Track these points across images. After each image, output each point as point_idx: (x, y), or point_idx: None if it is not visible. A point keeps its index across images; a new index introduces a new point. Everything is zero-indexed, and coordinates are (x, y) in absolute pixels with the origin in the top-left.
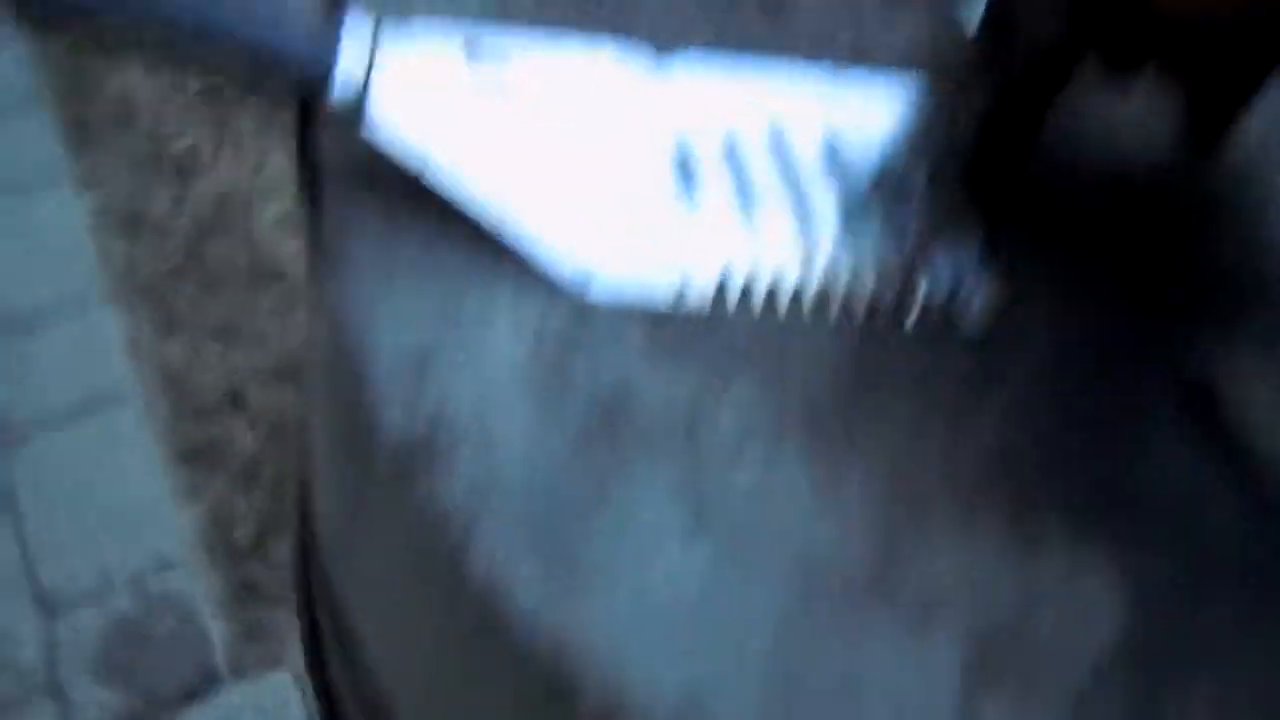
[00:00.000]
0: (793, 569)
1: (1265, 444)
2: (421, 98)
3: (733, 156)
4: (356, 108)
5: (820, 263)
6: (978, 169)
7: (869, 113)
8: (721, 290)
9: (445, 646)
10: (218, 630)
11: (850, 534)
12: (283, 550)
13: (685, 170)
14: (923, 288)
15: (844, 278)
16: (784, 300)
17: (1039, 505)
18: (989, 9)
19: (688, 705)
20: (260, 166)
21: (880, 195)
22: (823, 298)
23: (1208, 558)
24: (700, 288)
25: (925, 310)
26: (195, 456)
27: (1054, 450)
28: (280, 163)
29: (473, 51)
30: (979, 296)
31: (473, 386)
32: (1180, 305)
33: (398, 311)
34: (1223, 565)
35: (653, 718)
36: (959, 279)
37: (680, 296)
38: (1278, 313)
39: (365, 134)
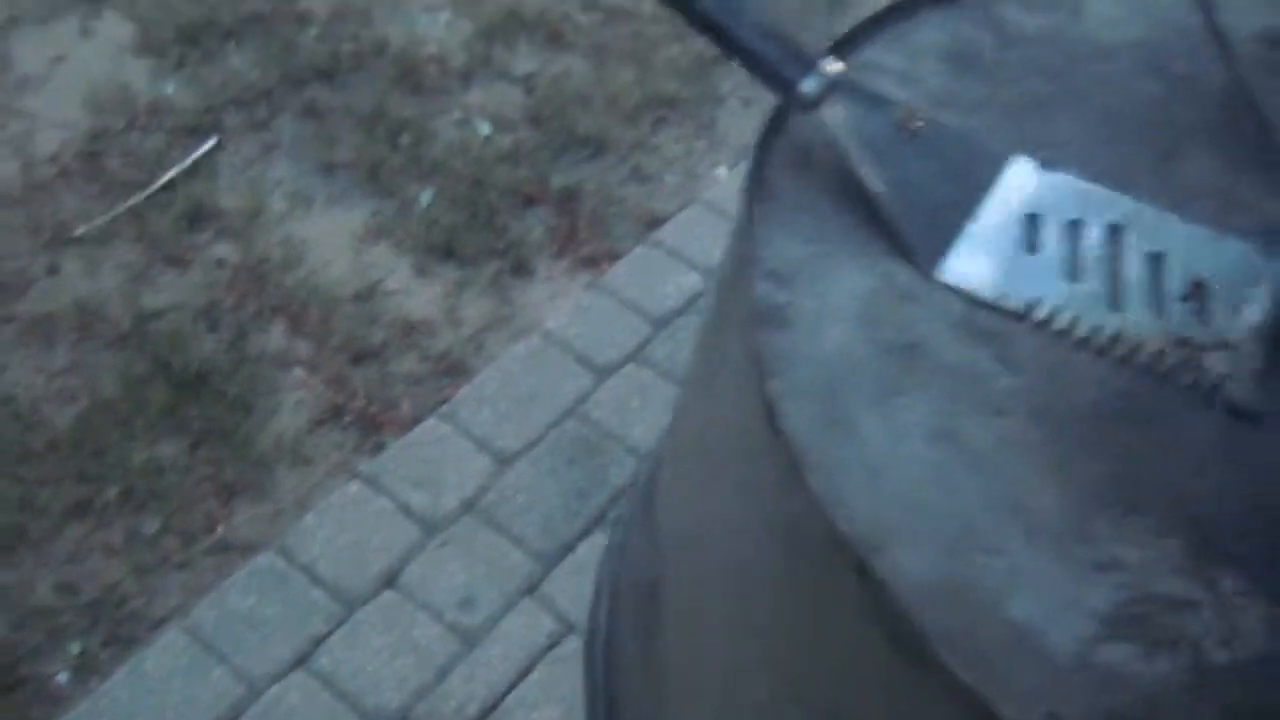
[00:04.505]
0: (992, 485)
1: None
2: (860, 116)
3: (1079, 232)
4: (815, 102)
5: (1116, 321)
6: None
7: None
8: (1028, 309)
9: (746, 497)
10: None
11: (1052, 495)
12: None
13: (1055, 234)
14: (1202, 363)
15: (1133, 337)
16: (1076, 335)
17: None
18: None
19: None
20: None
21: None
22: (1109, 344)
23: None
24: (1015, 301)
25: (1195, 376)
26: None
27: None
28: None
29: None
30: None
31: (823, 295)
32: None
33: (789, 239)
34: None
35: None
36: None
37: (1000, 301)
38: None
39: (814, 122)
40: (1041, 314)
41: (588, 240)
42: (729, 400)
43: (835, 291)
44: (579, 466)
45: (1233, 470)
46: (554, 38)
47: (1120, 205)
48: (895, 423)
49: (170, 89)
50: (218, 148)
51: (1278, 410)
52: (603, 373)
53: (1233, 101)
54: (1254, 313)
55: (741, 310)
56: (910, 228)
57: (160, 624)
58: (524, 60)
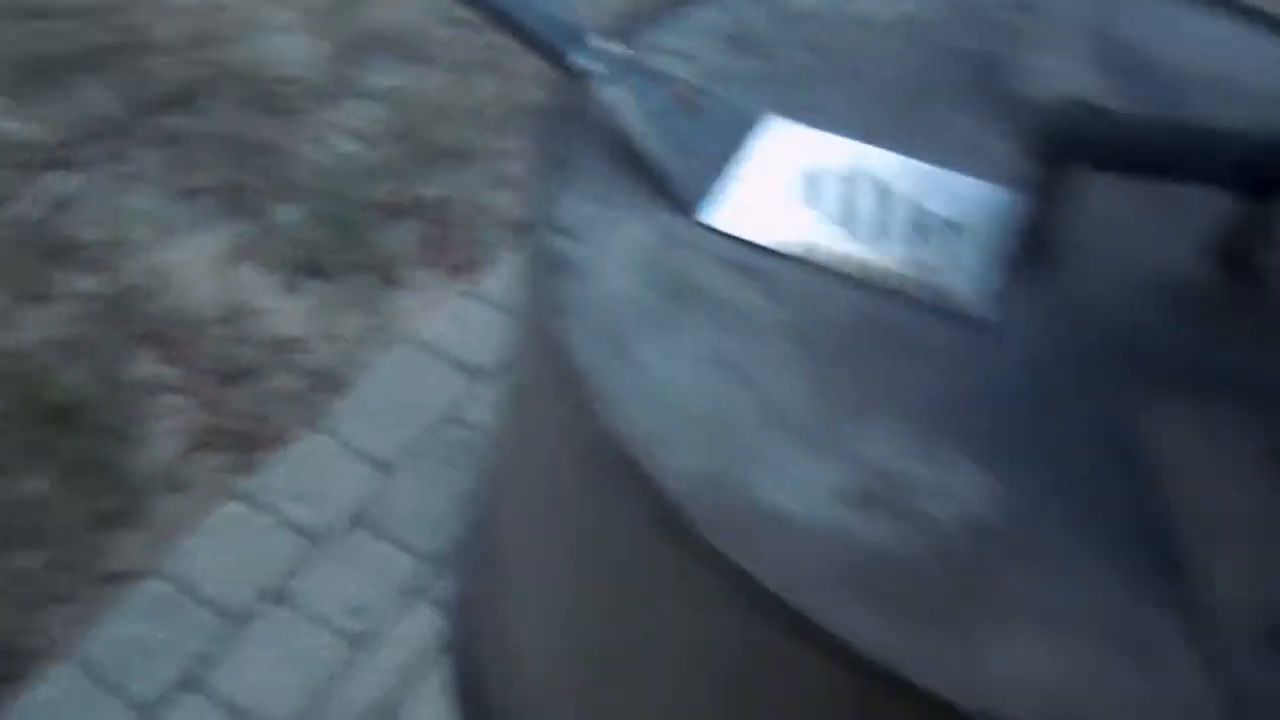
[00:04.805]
0: (754, 397)
1: None
2: (641, 91)
3: (836, 180)
4: (600, 80)
5: (867, 254)
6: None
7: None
8: (791, 249)
9: (534, 393)
10: None
11: (806, 403)
12: None
13: (809, 182)
14: (941, 285)
15: (882, 267)
16: (833, 269)
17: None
18: None
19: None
20: None
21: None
22: (861, 274)
23: None
24: (779, 242)
25: (934, 296)
26: None
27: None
28: None
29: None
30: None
31: (607, 246)
32: None
33: (577, 200)
34: None
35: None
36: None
37: (766, 243)
38: None
39: (599, 97)
40: (802, 252)
41: (458, 249)
42: (531, 349)
43: (619, 243)
44: (460, 469)
45: (962, 372)
46: (413, 53)
47: (873, 155)
48: (671, 351)
49: (14, 125)
50: (76, 179)
51: (1001, 321)
52: (478, 376)
53: (981, 64)
54: (987, 240)
55: (535, 264)
56: (685, 184)
57: (48, 659)
58: (383, 76)
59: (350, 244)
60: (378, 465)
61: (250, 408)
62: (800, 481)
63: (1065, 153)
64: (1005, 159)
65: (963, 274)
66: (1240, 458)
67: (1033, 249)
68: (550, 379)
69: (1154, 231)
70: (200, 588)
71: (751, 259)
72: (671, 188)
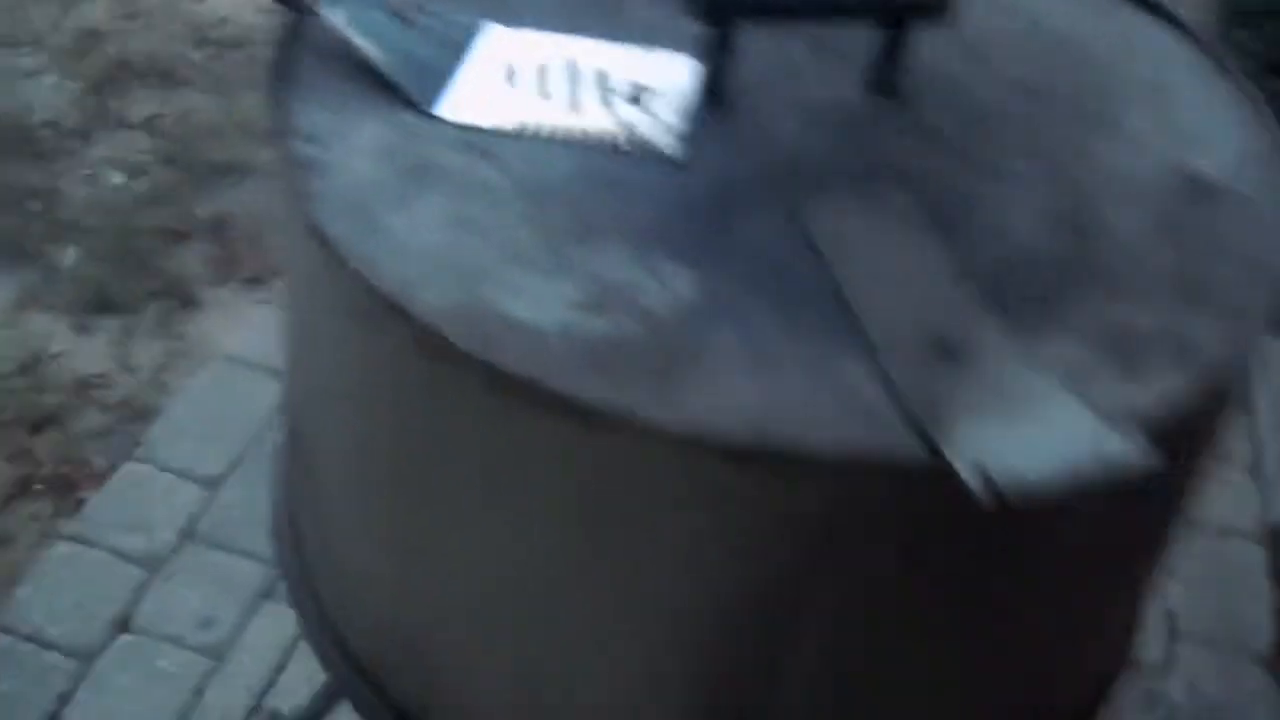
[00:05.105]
0: (491, 243)
1: None
2: (359, 13)
3: (546, 67)
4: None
5: (579, 122)
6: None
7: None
8: (513, 126)
9: (304, 282)
10: None
11: (537, 242)
12: None
13: (524, 73)
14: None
15: (593, 130)
16: (551, 137)
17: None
18: None
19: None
20: None
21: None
22: (576, 138)
23: None
24: (502, 122)
25: (637, 146)
26: None
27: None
28: None
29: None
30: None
31: (348, 144)
32: None
33: (314, 111)
34: None
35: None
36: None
37: (490, 125)
38: None
39: (323, 23)
40: (524, 129)
41: (247, 261)
42: (294, 244)
43: (358, 141)
44: None
45: (666, 201)
46: (168, 79)
47: (576, 43)
48: (415, 218)
49: None
50: None
51: (693, 158)
52: None
53: None
54: (676, 97)
55: (283, 168)
56: (412, 85)
57: None
58: (142, 106)
59: (137, 274)
60: (203, 482)
61: (63, 451)
62: (539, 298)
63: (725, 11)
64: (688, 33)
65: (658, 126)
66: (894, 228)
67: (713, 97)
68: (313, 259)
69: (815, 70)
70: (44, 633)
71: (481, 140)
72: (402, 92)
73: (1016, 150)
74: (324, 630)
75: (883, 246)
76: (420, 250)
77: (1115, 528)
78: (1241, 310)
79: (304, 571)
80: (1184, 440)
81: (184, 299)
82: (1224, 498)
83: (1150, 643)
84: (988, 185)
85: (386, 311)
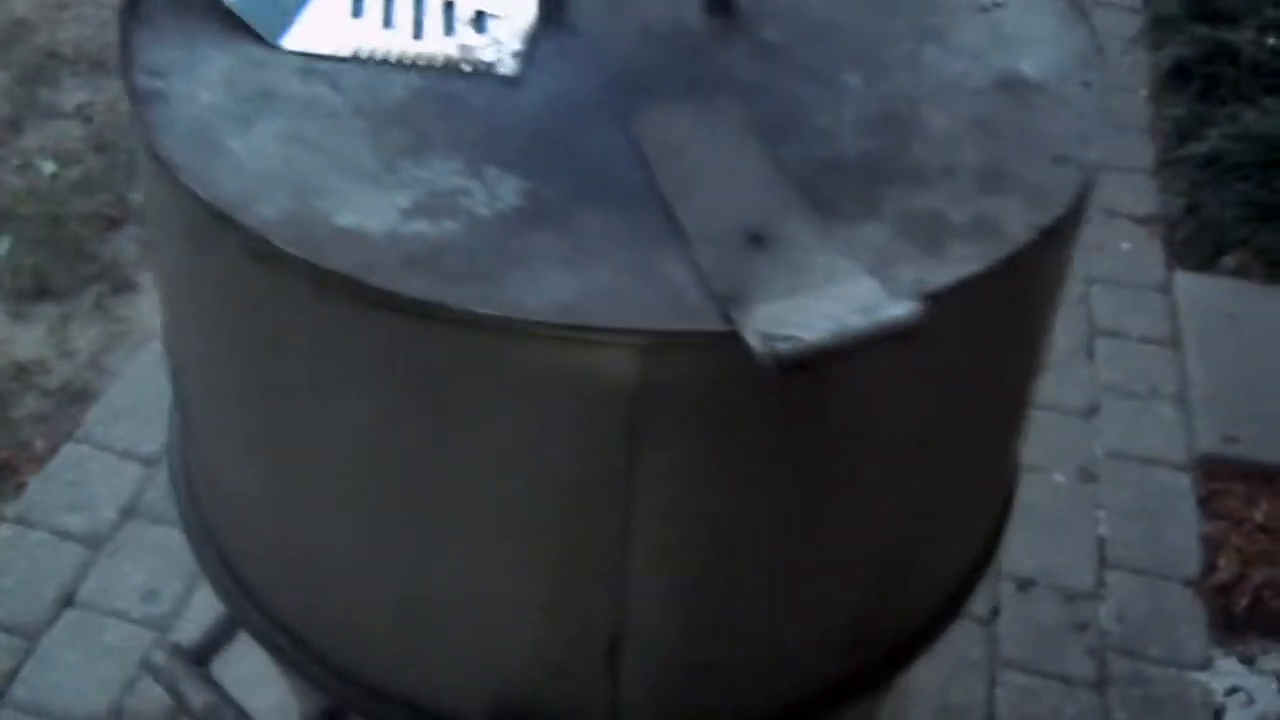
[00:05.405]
0: (326, 159)
1: None
2: None
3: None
4: None
5: (420, 47)
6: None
7: None
8: (355, 53)
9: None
10: None
11: (371, 156)
12: None
13: (365, 5)
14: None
15: (432, 53)
16: (391, 61)
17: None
18: None
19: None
20: None
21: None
22: (415, 61)
23: None
24: (344, 50)
25: (475, 66)
26: None
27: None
28: None
29: None
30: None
31: (192, 76)
32: None
33: (162, 47)
34: None
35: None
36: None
37: (332, 52)
38: None
39: None
40: (364, 54)
41: None
42: (145, 173)
43: (202, 72)
44: None
45: (501, 116)
46: (99, 67)
47: None
48: (254, 139)
49: None
50: None
51: (530, 76)
52: None
53: None
54: (515, 21)
55: (130, 99)
56: (259, 20)
57: None
58: (72, 94)
59: (73, 260)
60: (143, 461)
61: (3, 436)
62: (369, 207)
63: None
64: None
65: (499, 48)
66: (719, 133)
67: (554, 20)
68: (159, 186)
69: None
70: None
71: (323, 67)
72: (249, 26)
73: (848, 62)
74: (219, 562)
75: (706, 150)
76: (258, 169)
77: (916, 398)
78: (1043, 194)
79: (197, 511)
80: (971, 306)
81: (120, 284)
82: (1152, 428)
83: (1080, 570)
84: (817, 93)
85: (219, 224)
